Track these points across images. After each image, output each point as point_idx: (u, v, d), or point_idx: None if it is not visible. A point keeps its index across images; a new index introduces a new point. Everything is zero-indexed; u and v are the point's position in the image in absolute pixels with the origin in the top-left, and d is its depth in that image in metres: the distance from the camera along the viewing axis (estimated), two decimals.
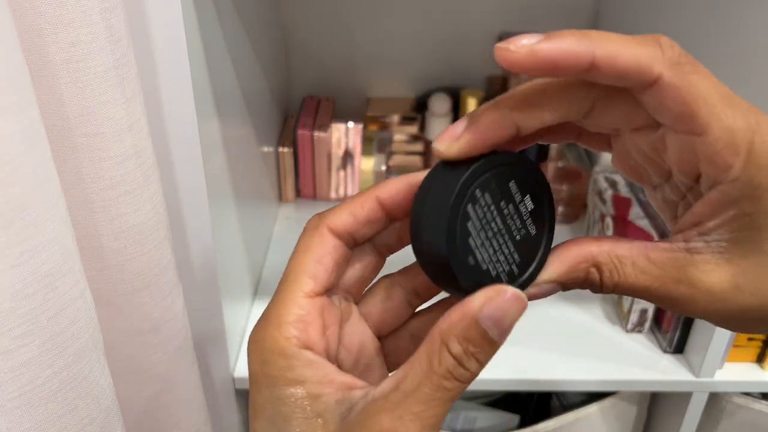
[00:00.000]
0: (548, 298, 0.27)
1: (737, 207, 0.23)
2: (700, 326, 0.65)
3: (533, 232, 0.26)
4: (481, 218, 0.24)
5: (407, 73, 0.98)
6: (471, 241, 0.24)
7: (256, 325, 0.26)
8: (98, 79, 0.36)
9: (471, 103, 0.91)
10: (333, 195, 0.93)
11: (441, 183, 0.24)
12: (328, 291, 0.27)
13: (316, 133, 0.88)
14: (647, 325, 0.71)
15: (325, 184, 0.92)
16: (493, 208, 0.24)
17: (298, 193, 0.94)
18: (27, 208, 0.30)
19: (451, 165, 0.24)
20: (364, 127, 0.91)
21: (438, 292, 0.29)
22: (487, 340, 0.23)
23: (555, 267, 0.26)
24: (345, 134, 0.89)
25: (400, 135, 0.95)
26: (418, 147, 0.95)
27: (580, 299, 0.76)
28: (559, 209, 0.88)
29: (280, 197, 0.93)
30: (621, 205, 0.73)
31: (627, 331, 0.71)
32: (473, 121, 0.24)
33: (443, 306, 0.30)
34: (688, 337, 0.67)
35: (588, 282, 0.26)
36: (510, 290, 0.23)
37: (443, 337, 0.23)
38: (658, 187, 0.27)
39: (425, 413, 0.23)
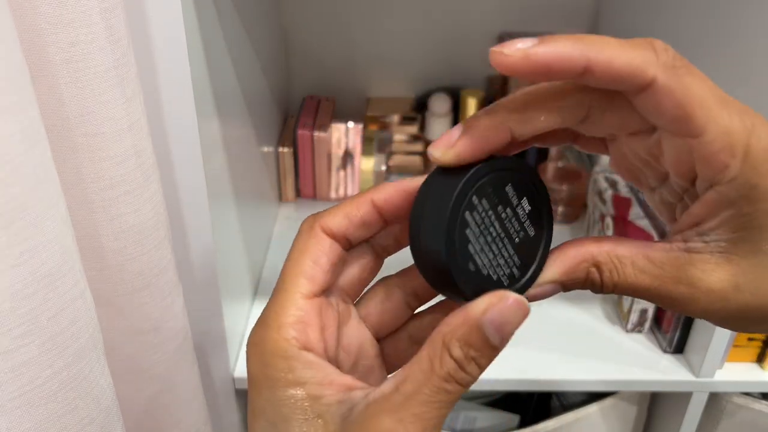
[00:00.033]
0: (548, 298, 0.27)
1: (735, 207, 0.23)
2: (700, 326, 0.65)
3: (532, 233, 0.26)
4: (480, 224, 0.24)
5: (407, 73, 0.98)
6: (470, 247, 0.24)
7: (254, 328, 0.26)
8: (98, 79, 0.36)
9: (471, 103, 0.91)
10: (333, 195, 0.93)
11: (438, 191, 0.24)
12: (326, 292, 0.28)
13: (316, 133, 0.88)
14: (647, 325, 0.71)
15: (325, 184, 0.92)
16: (490, 213, 0.24)
17: (298, 193, 0.94)
18: (27, 208, 0.30)
19: (447, 171, 0.24)
20: (364, 127, 0.91)
21: (437, 294, 0.29)
22: (488, 345, 0.23)
23: (555, 267, 0.26)
24: (345, 134, 0.89)
25: (400, 135, 0.95)
26: (418, 147, 0.95)
27: (580, 299, 0.76)
28: (559, 209, 0.88)
29: (280, 197, 0.93)
30: (621, 205, 0.73)
31: (627, 331, 0.71)
32: (468, 127, 0.24)
33: (442, 308, 0.30)
34: (688, 337, 0.67)
35: (588, 282, 0.26)
36: (513, 296, 0.23)
37: (445, 340, 0.23)
38: (655, 189, 0.27)
39: (426, 415, 0.23)
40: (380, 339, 0.30)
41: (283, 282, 0.27)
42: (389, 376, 0.29)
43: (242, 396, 0.68)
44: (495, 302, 0.23)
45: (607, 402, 0.77)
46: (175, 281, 0.48)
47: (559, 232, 0.86)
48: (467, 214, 0.24)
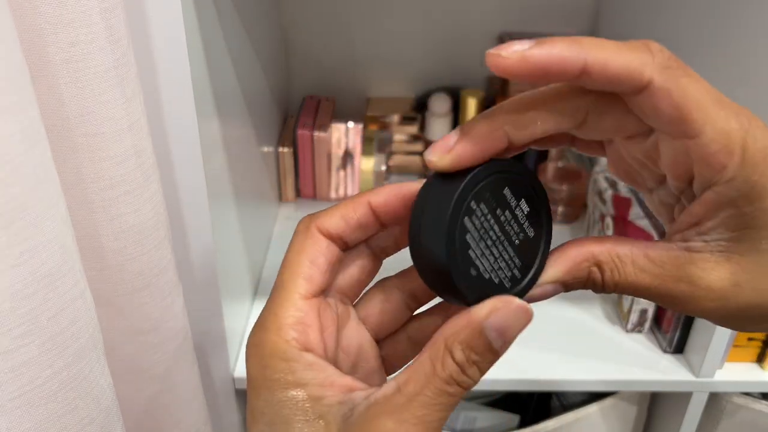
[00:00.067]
0: (549, 298, 0.27)
1: (735, 207, 0.23)
2: (700, 326, 0.65)
3: (532, 234, 0.26)
4: (479, 229, 0.24)
5: (407, 73, 0.98)
6: (471, 252, 0.24)
7: (253, 329, 0.26)
8: (98, 79, 0.36)
9: (471, 103, 0.91)
10: (333, 195, 0.93)
11: (436, 197, 0.24)
12: (324, 292, 0.28)
13: (316, 133, 0.88)
14: (647, 325, 0.71)
15: (325, 184, 0.92)
16: (489, 217, 0.24)
17: (298, 193, 0.94)
18: (27, 208, 0.30)
19: (445, 176, 0.24)
20: (364, 127, 0.91)
21: (436, 296, 0.29)
22: (490, 350, 0.23)
23: (557, 267, 0.26)
24: (345, 134, 0.89)
25: (400, 135, 0.95)
26: (418, 147, 0.95)
27: (580, 299, 0.76)
28: (559, 209, 0.88)
29: (280, 197, 0.93)
30: (621, 205, 0.73)
31: (627, 331, 0.71)
32: (465, 132, 0.24)
33: (442, 309, 0.30)
34: (688, 337, 0.67)
35: (590, 281, 0.26)
36: (516, 302, 0.23)
37: (447, 343, 0.23)
38: (653, 191, 0.27)
39: (428, 417, 0.23)
40: (379, 340, 0.30)
41: (281, 283, 0.27)
42: (390, 377, 0.29)
43: (242, 396, 0.68)
44: (499, 307, 0.23)
45: (607, 402, 0.77)
46: (175, 281, 0.48)
47: (559, 232, 0.86)
48: (466, 219, 0.24)
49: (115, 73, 0.37)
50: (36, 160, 0.31)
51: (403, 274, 0.30)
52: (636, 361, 0.68)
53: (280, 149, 0.89)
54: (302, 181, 0.92)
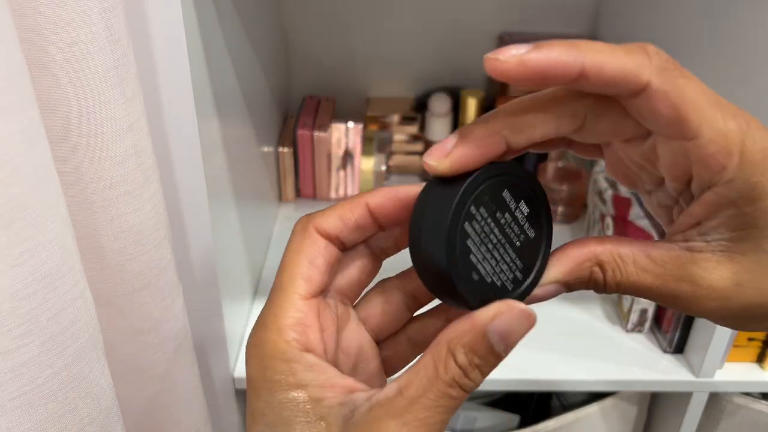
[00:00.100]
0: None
1: (735, 207, 0.23)
2: (700, 326, 0.65)
3: (532, 235, 0.26)
4: (480, 233, 0.24)
5: (407, 73, 0.98)
6: (472, 257, 0.24)
7: (253, 330, 0.26)
8: (98, 79, 0.36)
9: (471, 103, 0.91)
10: (333, 195, 0.93)
11: (436, 202, 0.24)
12: (323, 292, 0.27)
13: (316, 133, 0.88)
14: (647, 325, 0.71)
15: (325, 184, 0.92)
16: (490, 220, 0.24)
17: (298, 193, 0.94)
18: (27, 208, 0.30)
19: (444, 180, 0.24)
20: (364, 127, 0.91)
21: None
22: (493, 353, 0.23)
23: (559, 267, 0.26)
24: (345, 134, 0.89)
25: (400, 135, 0.95)
26: (418, 147, 0.95)
27: (580, 299, 0.76)
28: (559, 209, 0.88)
29: (280, 197, 0.93)
30: (621, 205, 0.73)
31: (627, 331, 0.71)
32: (463, 136, 0.24)
33: (442, 311, 0.30)
34: (688, 337, 0.67)
35: (592, 281, 0.26)
36: (520, 306, 0.23)
37: (450, 346, 0.23)
38: (651, 193, 0.27)
39: (430, 420, 0.23)
40: (379, 341, 0.30)
41: (279, 283, 0.27)
42: (390, 378, 0.29)
43: (242, 396, 0.68)
44: (502, 311, 0.23)
45: (607, 402, 0.77)
46: (175, 281, 0.48)
47: (559, 232, 0.86)
48: (467, 224, 0.24)
49: (115, 73, 0.37)
50: (36, 160, 0.31)
51: (403, 275, 0.30)
52: (636, 361, 0.68)
53: (280, 149, 0.89)
54: (302, 181, 0.92)
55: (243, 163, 0.67)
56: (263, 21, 0.79)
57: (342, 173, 0.92)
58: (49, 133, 0.35)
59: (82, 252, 0.40)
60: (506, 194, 0.25)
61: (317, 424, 0.24)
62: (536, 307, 0.24)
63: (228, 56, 0.59)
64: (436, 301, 0.29)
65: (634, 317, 0.70)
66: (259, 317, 0.27)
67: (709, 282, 0.24)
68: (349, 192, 0.93)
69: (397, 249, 0.29)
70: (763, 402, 0.73)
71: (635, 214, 0.71)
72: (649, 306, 0.69)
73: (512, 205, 0.25)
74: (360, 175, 0.92)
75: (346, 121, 0.88)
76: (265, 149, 0.81)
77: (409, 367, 0.24)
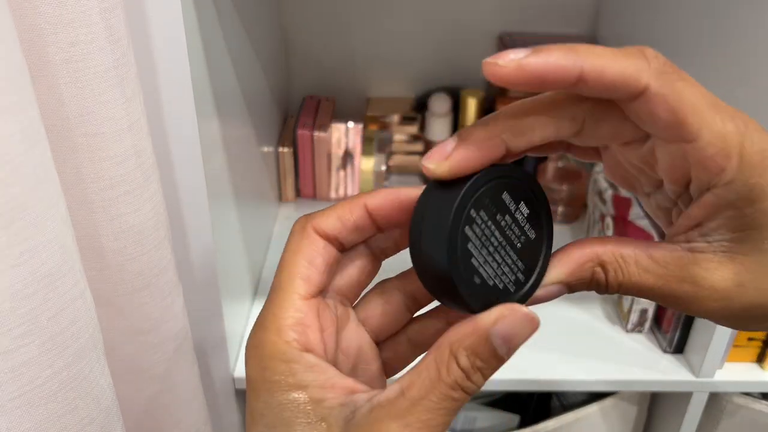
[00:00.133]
0: None
1: (735, 208, 0.23)
2: (700, 326, 0.65)
3: (533, 236, 0.26)
4: (480, 236, 0.24)
5: (407, 73, 0.98)
6: (474, 261, 0.24)
7: (252, 331, 0.26)
8: (98, 79, 0.36)
9: (471, 103, 0.91)
10: (333, 195, 0.93)
11: (436, 206, 0.24)
12: (322, 293, 0.27)
13: (316, 133, 0.88)
14: (647, 325, 0.71)
15: (325, 184, 0.92)
16: (490, 223, 0.24)
17: (298, 193, 0.94)
18: (27, 208, 0.30)
19: (444, 183, 0.24)
20: (364, 127, 0.91)
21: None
22: (495, 356, 0.23)
23: (561, 268, 0.26)
24: (345, 134, 0.89)
25: (400, 135, 0.95)
26: (418, 147, 0.95)
27: (580, 299, 0.76)
28: (559, 209, 0.88)
29: (280, 197, 0.93)
30: (621, 205, 0.73)
31: (627, 331, 0.71)
32: (463, 140, 0.24)
33: (442, 312, 0.30)
34: (688, 337, 0.67)
35: (594, 282, 0.26)
36: (523, 310, 0.23)
37: (452, 349, 0.23)
38: (650, 195, 0.27)
39: (432, 421, 0.23)
40: (379, 342, 0.30)
41: (278, 284, 0.27)
42: (391, 379, 0.29)
43: (242, 396, 0.68)
44: (505, 314, 0.23)
45: (607, 402, 0.77)
46: (175, 281, 0.48)
47: (559, 232, 0.86)
48: (467, 229, 0.24)
49: (115, 73, 0.37)
50: (36, 160, 0.31)
51: (403, 275, 0.30)
52: (636, 361, 0.68)
53: (280, 149, 0.89)
54: (302, 181, 0.92)
55: (243, 163, 0.67)
56: (263, 21, 0.79)
57: (342, 173, 0.92)
58: (49, 133, 0.35)
59: (82, 252, 0.40)
60: (506, 196, 0.25)
61: (318, 425, 0.24)
62: (536, 307, 0.24)
63: (228, 56, 0.59)
64: (437, 302, 0.29)
65: (634, 317, 0.70)
66: (258, 318, 0.27)
67: (711, 282, 0.24)
68: (349, 192, 0.93)
69: (397, 249, 0.29)
70: (763, 402, 0.73)
71: (635, 214, 0.71)
72: (649, 306, 0.69)
73: (512, 207, 0.25)
74: (360, 175, 0.92)
75: (346, 121, 0.88)
76: (265, 149, 0.81)
77: (411, 369, 0.24)
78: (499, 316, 0.23)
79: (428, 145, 0.95)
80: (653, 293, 0.25)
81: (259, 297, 0.75)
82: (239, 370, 0.65)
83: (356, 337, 0.29)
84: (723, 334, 0.63)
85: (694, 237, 0.25)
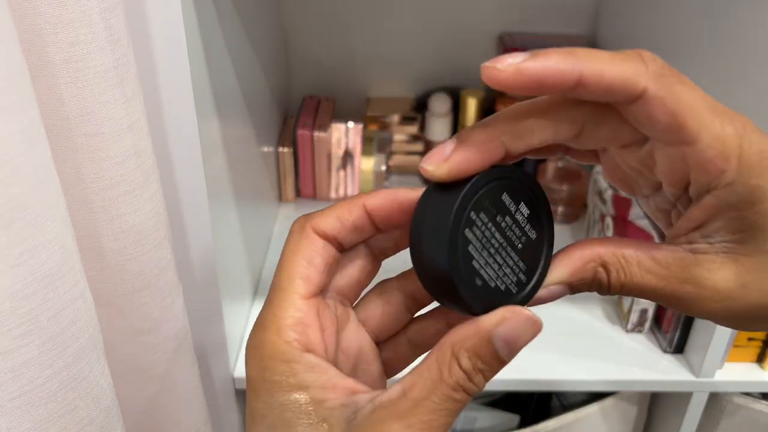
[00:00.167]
0: None
1: (736, 210, 0.23)
2: (700, 326, 0.65)
3: (534, 236, 0.26)
4: (481, 238, 0.24)
5: (407, 73, 0.98)
6: (475, 263, 0.24)
7: (252, 331, 0.26)
8: (98, 79, 0.36)
9: (471, 103, 0.91)
10: (333, 195, 0.93)
11: (435, 210, 0.24)
12: (322, 292, 0.27)
13: (316, 133, 0.88)
14: (647, 325, 0.71)
15: (325, 184, 0.92)
16: (490, 225, 0.24)
17: (298, 193, 0.94)
18: (27, 208, 0.30)
19: (443, 186, 0.24)
20: (364, 127, 0.91)
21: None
22: (496, 359, 0.23)
23: (563, 268, 0.26)
24: (345, 134, 0.89)
25: (400, 135, 0.95)
26: (418, 147, 0.95)
27: (581, 299, 0.76)
28: (559, 209, 0.88)
29: (280, 197, 0.93)
30: (621, 204, 0.73)
31: (627, 331, 0.71)
32: (462, 142, 0.24)
33: (443, 312, 0.30)
34: (688, 337, 0.67)
35: (596, 282, 0.26)
36: (526, 313, 0.23)
37: (454, 350, 0.23)
38: (649, 197, 0.27)
39: (434, 422, 0.23)
40: (379, 343, 0.30)
41: (278, 283, 0.27)
42: (391, 379, 0.29)
43: (242, 396, 0.68)
44: (508, 317, 0.23)
45: (607, 402, 0.77)
46: (175, 281, 0.48)
47: (559, 232, 0.86)
48: (467, 231, 0.24)
49: (115, 73, 0.37)
50: (36, 160, 0.31)
51: (403, 276, 0.30)
52: (636, 361, 0.68)
53: (280, 149, 0.89)
54: (302, 181, 0.92)
55: (243, 163, 0.67)
56: (263, 21, 0.79)
57: (342, 173, 0.92)
58: (49, 133, 0.35)
59: (82, 252, 0.40)
60: (505, 197, 0.25)
61: (319, 426, 0.24)
62: (536, 307, 0.24)
63: (228, 56, 0.59)
64: (437, 303, 0.29)
65: (634, 317, 0.70)
66: (257, 318, 0.26)
67: (713, 283, 0.24)
68: (349, 192, 0.93)
69: (397, 249, 0.29)
70: (763, 402, 0.73)
71: (635, 214, 0.71)
72: (649, 306, 0.69)
73: (512, 208, 0.25)
74: (360, 175, 0.92)
75: (346, 121, 0.88)
76: (265, 149, 0.81)
77: (413, 369, 0.24)
78: (502, 319, 0.23)
79: (428, 145, 0.95)
80: (655, 294, 0.25)
81: (259, 297, 0.75)
82: (239, 370, 0.65)
83: (356, 337, 0.29)
84: (723, 334, 0.63)
85: (696, 238, 0.25)
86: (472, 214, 0.24)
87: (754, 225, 0.23)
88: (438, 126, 0.93)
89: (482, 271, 0.24)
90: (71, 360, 0.35)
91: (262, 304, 0.27)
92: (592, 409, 0.76)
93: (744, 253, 0.24)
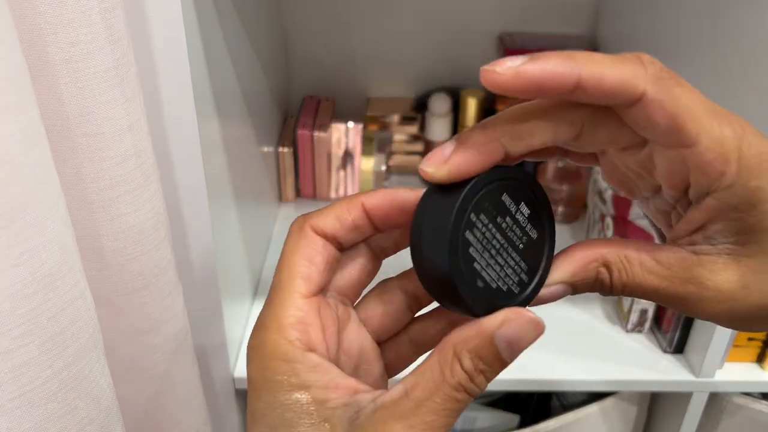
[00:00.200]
0: None
1: (737, 211, 0.23)
2: (700, 326, 0.65)
3: (535, 236, 0.26)
4: (482, 240, 0.24)
5: (407, 73, 0.98)
6: (476, 265, 0.24)
7: (253, 331, 0.26)
8: (98, 79, 0.36)
9: (471, 103, 0.91)
10: (333, 195, 0.93)
11: (435, 212, 0.24)
12: (323, 291, 0.27)
13: (316, 133, 0.88)
14: (647, 325, 0.71)
15: (325, 184, 0.92)
16: (491, 226, 0.24)
17: (298, 193, 0.94)
18: (27, 208, 0.30)
19: (442, 188, 0.24)
20: (364, 127, 0.91)
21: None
22: (498, 360, 0.23)
23: (565, 268, 0.26)
24: (345, 134, 0.89)
25: (400, 135, 0.95)
26: (418, 147, 0.95)
27: (581, 299, 0.76)
28: (559, 209, 0.88)
29: (280, 197, 0.93)
30: (621, 204, 0.73)
31: (627, 331, 0.71)
32: (461, 144, 0.24)
33: (444, 312, 0.30)
34: (688, 337, 0.67)
35: (598, 282, 0.26)
36: (529, 314, 0.23)
37: (456, 351, 0.23)
38: (649, 200, 0.27)
39: (436, 423, 0.23)
40: (380, 342, 0.30)
41: (278, 283, 0.26)
42: (393, 379, 0.29)
43: (242, 396, 0.68)
44: (511, 318, 0.23)
45: (607, 402, 0.77)
46: (175, 281, 0.48)
47: (559, 232, 0.86)
48: (468, 233, 0.23)
49: (115, 73, 0.37)
50: (36, 160, 0.31)
51: (404, 275, 0.30)
52: (636, 361, 0.68)
53: (280, 149, 0.89)
54: (302, 181, 0.92)
55: (243, 163, 0.67)
56: (263, 21, 0.79)
57: (342, 173, 0.92)
58: (49, 133, 0.35)
59: (82, 252, 0.40)
60: (506, 198, 0.25)
61: (321, 426, 0.24)
62: (536, 308, 0.24)
63: (228, 56, 0.59)
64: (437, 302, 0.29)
65: (634, 317, 0.70)
66: (258, 318, 0.26)
67: (716, 284, 0.24)
68: (349, 192, 0.93)
69: (397, 249, 0.29)
70: (763, 402, 0.73)
71: (635, 214, 0.71)
72: (649, 306, 0.69)
73: (512, 208, 0.25)
74: (360, 175, 0.92)
75: (346, 121, 0.88)
76: (265, 149, 0.81)
77: (415, 369, 0.24)
78: (505, 320, 0.23)
79: (428, 145, 0.95)
80: (657, 294, 0.25)
81: (259, 297, 0.75)
82: (239, 370, 0.65)
83: (358, 337, 0.29)
84: (723, 334, 0.63)
85: (698, 240, 0.25)
86: (473, 216, 0.24)
87: (756, 226, 0.23)
88: (438, 126, 0.92)
89: (483, 273, 0.24)
90: (71, 360, 0.35)
91: (262, 304, 0.27)
92: (592, 409, 0.76)
93: (746, 254, 0.24)
